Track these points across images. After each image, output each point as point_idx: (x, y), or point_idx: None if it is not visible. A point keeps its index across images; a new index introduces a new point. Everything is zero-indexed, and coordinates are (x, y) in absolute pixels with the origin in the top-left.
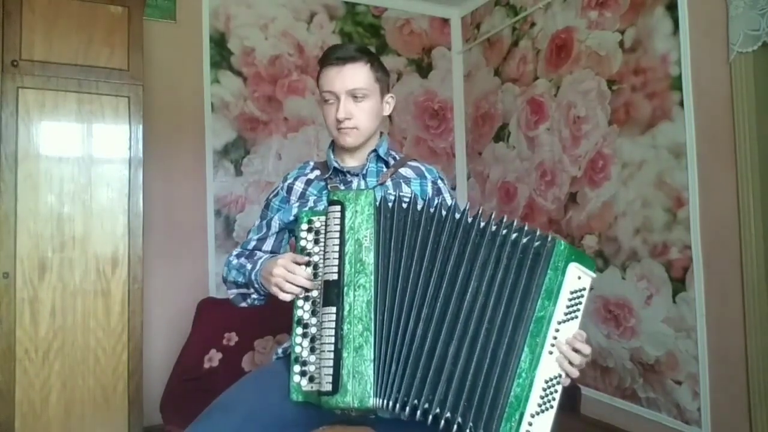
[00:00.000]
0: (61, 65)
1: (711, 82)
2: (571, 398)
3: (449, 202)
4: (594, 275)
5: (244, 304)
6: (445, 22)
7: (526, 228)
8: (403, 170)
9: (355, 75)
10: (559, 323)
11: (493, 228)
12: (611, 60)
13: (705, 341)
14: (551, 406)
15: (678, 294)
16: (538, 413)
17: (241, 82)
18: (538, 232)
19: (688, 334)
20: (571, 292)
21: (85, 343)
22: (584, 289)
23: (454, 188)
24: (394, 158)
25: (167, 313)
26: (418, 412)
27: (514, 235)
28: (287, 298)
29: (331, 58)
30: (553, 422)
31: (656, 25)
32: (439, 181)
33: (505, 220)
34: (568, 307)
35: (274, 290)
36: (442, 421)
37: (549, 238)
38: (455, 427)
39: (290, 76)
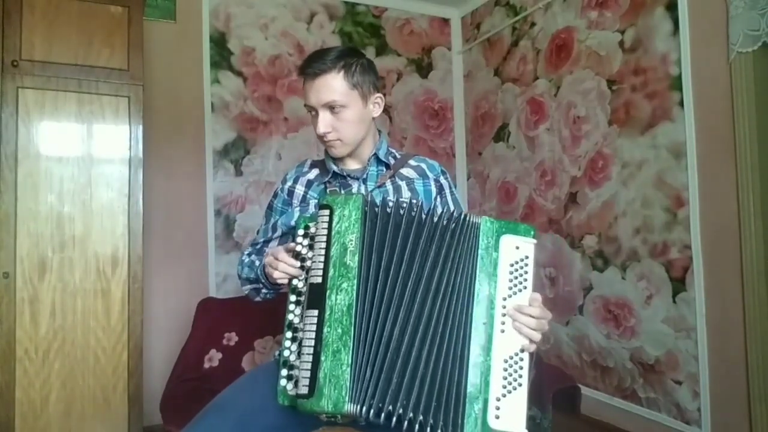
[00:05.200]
0: (61, 65)
1: (711, 82)
2: (571, 398)
3: (449, 199)
4: (534, 241)
5: (258, 299)
6: (445, 22)
7: (456, 215)
8: (404, 170)
9: (328, 87)
10: (505, 299)
11: (435, 219)
12: (611, 60)
13: (705, 341)
14: (519, 384)
15: (678, 294)
16: (504, 395)
17: (241, 82)
18: (463, 217)
19: (688, 334)
20: (511, 265)
21: (85, 342)
22: (527, 257)
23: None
24: (395, 157)
25: (167, 313)
26: (394, 419)
27: (453, 227)
28: (281, 281)
29: (304, 71)
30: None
31: (656, 25)
32: (441, 177)
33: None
34: (510, 280)
35: (269, 278)
36: (417, 425)
37: (473, 219)
38: (428, 429)
39: (290, 76)
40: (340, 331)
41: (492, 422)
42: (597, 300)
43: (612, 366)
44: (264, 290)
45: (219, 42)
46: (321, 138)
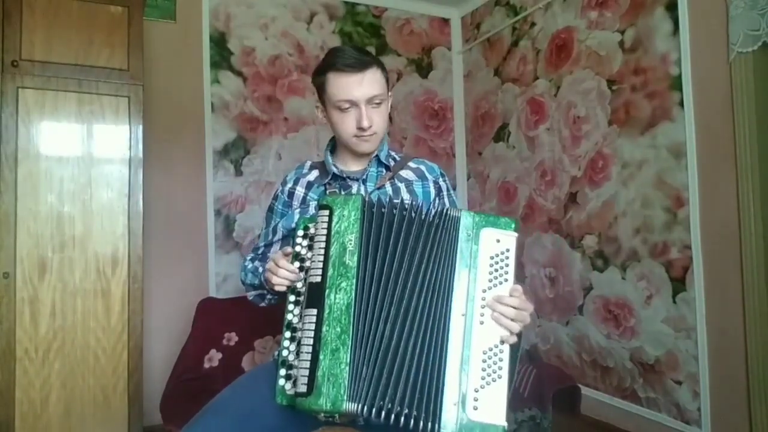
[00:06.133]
0: (61, 65)
1: (711, 82)
2: (571, 398)
3: (446, 200)
4: (515, 234)
5: (263, 304)
6: (445, 22)
7: (438, 210)
8: (403, 172)
9: (374, 82)
10: (485, 291)
11: (422, 216)
12: (611, 60)
13: (705, 341)
14: (499, 377)
15: (678, 294)
16: (483, 387)
17: (241, 82)
18: (444, 211)
19: (688, 334)
20: (491, 257)
21: (85, 342)
22: (508, 250)
23: (454, 188)
24: (395, 159)
25: (167, 313)
26: (383, 413)
27: (437, 222)
28: (280, 289)
29: (345, 64)
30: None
31: (656, 25)
32: (440, 179)
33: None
34: (491, 273)
35: (269, 285)
36: (402, 418)
37: (453, 213)
38: (412, 421)
39: (290, 76)
40: (338, 330)
41: (470, 413)
42: (597, 300)
43: (612, 366)
44: (269, 296)
45: (219, 42)
46: (358, 132)
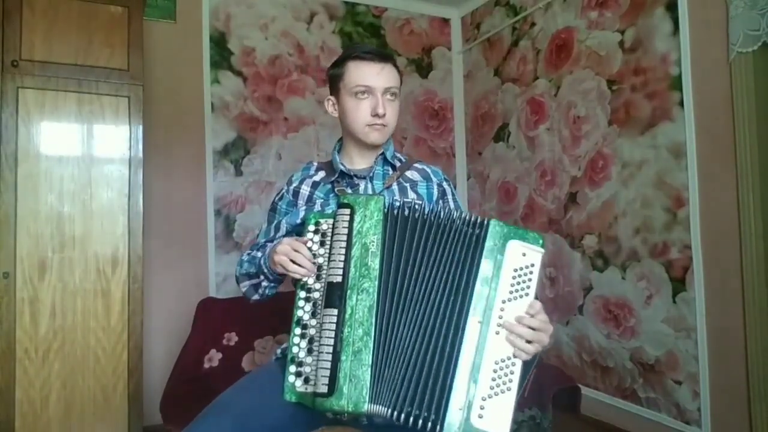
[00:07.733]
0: (61, 65)
1: (711, 82)
2: (571, 398)
3: (451, 204)
4: (541, 250)
5: (256, 296)
6: (445, 22)
7: (467, 217)
8: (409, 173)
9: (393, 74)
10: (504, 302)
11: (447, 222)
12: (611, 60)
13: (705, 341)
14: (508, 389)
15: (678, 294)
16: (490, 396)
17: (241, 82)
18: (474, 219)
19: (688, 334)
20: (515, 270)
21: (85, 342)
22: (532, 265)
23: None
24: (400, 160)
25: (167, 313)
26: (401, 415)
27: (464, 228)
28: (295, 275)
29: (366, 52)
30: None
31: (656, 25)
32: (444, 183)
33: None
34: (512, 285)
35: (279, 269)
36: (411, 418)
37: (484, 222)
38: (420, 421)
39: (290, 76)
40: (360, 332)
41: (474, 420)
42: (597, 300)
43: (612, 366)
44: (264, 283)
45: (219, 42)
46: (371, 120)
